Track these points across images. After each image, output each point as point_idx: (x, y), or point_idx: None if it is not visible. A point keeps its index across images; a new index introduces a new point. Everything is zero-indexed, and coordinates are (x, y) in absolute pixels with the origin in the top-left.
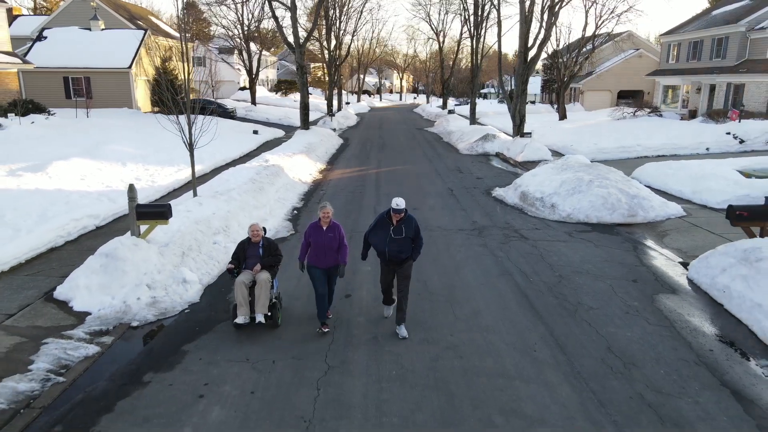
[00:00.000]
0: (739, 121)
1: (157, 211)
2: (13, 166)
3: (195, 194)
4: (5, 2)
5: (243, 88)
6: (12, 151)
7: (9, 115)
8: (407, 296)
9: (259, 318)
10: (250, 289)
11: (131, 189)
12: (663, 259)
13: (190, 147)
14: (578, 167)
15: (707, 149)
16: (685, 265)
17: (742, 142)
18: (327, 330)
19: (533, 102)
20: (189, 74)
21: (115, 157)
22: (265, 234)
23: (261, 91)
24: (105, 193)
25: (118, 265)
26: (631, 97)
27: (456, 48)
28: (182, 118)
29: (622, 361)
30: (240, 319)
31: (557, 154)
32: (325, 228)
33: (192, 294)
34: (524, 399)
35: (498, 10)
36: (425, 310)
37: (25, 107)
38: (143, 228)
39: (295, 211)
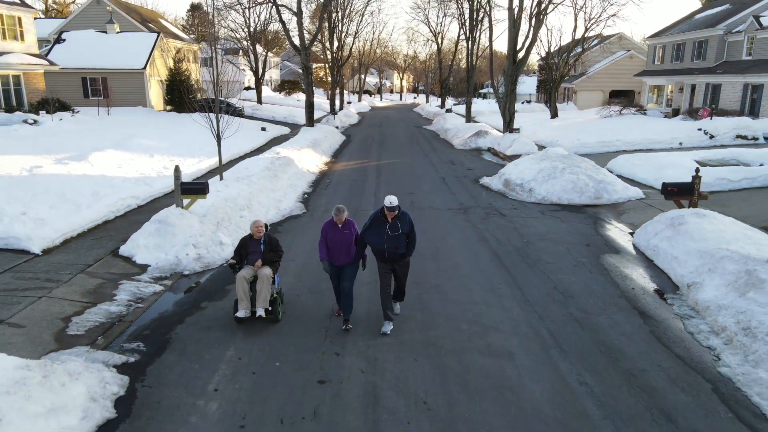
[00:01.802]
0: (711, 118)
1: (198, 188)
2: (58, 156)
3: (221, 178)
4: (33, 8)
5: (247, 88)
6: (53, 144)
7: (40, 112)
8: (405, 283)
9: (260, 312)
10: (251, 284)
11: (177, 170)
12: (616, 230)
13: (218, 138)
14: (555, 158)
15: (680, 144)
16: (633, 234)
17: (712, 137)
18: (349, 327)
19: (529, 101)
20: (217, 77)
21: (142, 149)
22: (266, 230)
23: (265, 91)
24: (141, 179)
25: (169, 229)
26: (623, 97)
27: (454, 49)
28: (211, 115)
29: (563, 295)
30: (241, 313)
31: (543, 148)
32: (340, 226)
33: (227, 253)
34: (484, 315)
35: (489, 17)
36: (415, 265)
37: (53, 105)
38: (185, 202)
39: (306, 195)
